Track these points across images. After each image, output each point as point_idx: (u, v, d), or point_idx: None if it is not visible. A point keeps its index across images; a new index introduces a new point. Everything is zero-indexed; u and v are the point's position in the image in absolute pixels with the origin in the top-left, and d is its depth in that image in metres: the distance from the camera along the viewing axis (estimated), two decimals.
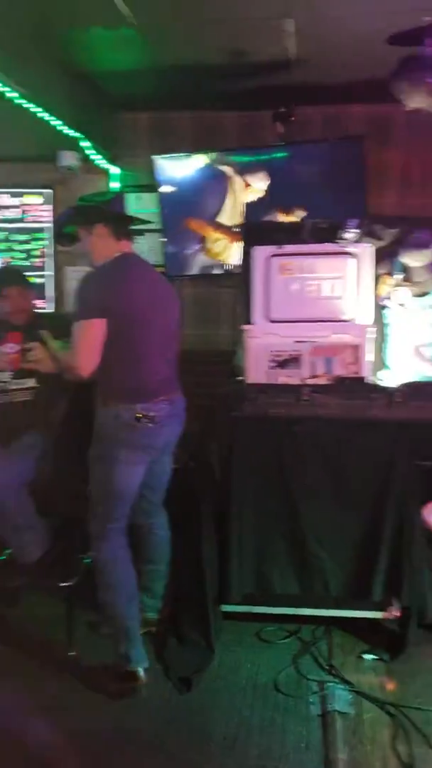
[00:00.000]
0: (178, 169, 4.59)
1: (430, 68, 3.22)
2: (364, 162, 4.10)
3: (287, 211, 4.35)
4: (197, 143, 4.51)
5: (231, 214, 4.65)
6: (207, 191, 4.63)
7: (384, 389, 3.21)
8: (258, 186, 4.58)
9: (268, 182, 4.50)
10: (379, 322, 3.77)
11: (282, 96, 4.11)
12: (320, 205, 4.07)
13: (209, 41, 3.42)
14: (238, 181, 4.56)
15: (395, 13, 3.02)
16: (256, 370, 3.29)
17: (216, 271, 4.75)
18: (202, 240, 4.73)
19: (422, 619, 3.04)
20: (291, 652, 3.05)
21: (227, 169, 4.60)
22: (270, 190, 4.46)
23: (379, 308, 3.77)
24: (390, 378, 3.67)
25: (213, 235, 4.73)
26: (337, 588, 3.07)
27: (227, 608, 3.15)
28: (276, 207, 4.39)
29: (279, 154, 4.45)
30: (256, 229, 3.74)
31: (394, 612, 3.05)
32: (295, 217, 4.33)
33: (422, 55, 3.25)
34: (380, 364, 3.83)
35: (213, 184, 4.60)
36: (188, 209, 4.67)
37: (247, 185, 4.58)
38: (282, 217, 4.38)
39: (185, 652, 3.00)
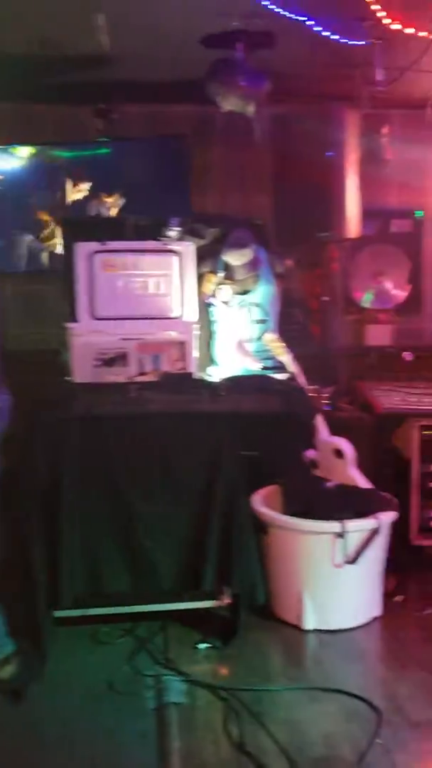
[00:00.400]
0: None
1: (242, 72, 3.34)
2: (186, 161, 4.17)
3: (109, 194, 4.32)
4: (15, 136, 4.36)
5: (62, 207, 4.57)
6: (35, 184, 4.51)
7: (209, 384, 3.30)
8: (84, 186, 4.52)
9: (90, 183, 4.46)
10: (207, 319, 3.88)
11: (102, 92, 4.08)
12: (144, 202, 4.09)
13: (18, 31, 3.32)
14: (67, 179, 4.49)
15: (205, 15, 3.10)
16: (83, 369, 3.25)
17: (44, 260, 4.63)
18: (37, 225, 4.60)
19: (252, 604, 3.16)
20: (127, 650, 3.04)
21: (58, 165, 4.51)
22: (94, 187, 4.42)
23: (206, 306, 3.87)
24: (218, 373, 3.78)
25: (46, 219, 4.61)
26: (169, 581, 3.11)
27: (60, 613, 3.08)
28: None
29: (102, 151, 4.42)
30: (77, 225, 3.70)
31: (226, 600, 3.14)
32: (115, 201, 4.32)
33: (235, 58, 3.36)
34: (208, 359, 3.93)
35: (42, 178, 4.49)
36: (15, 200, 4.53)
37: (75, 184, 4.51)
38: (105, 198, 4.36)
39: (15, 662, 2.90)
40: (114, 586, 3.09)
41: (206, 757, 2.40)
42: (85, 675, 2.87)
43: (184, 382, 3.20)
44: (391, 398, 3.92)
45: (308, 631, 3.18)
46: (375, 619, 3.28)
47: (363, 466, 3.61)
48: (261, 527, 3.23)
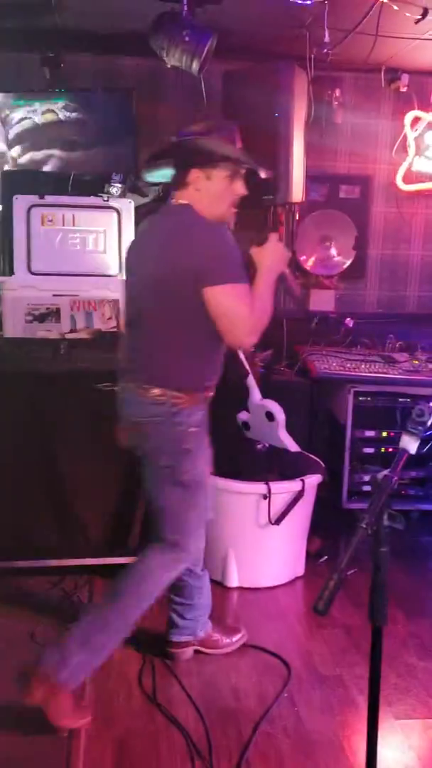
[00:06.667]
0: None
1: (187, 26, 3.27)
2: (132, 116, 4.09)
3: None
4: None
5: None
6: None
7: None
8: None
9: None
10: None
11: (48, 40, 3.96)
12: (88, 156, 3.99)
13: None
14: None
15: None
16: (14, 324, 3.21)
17: None
18: None
19: None
20: (52, 603, 3.09)
21: None
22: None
23: None
24: None
25: None
26: (96, 537, 3.15)
27: None
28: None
29: (56, 100, 4.29)
30: (17, 177, 3.62)
31: None
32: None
33: (180, 12, 3.28)
34: None
35: None
36: None
37: None
38: None
39: None
40: (42, 541, 3.14)
41: (117, 707, 2.47)
42: (8, 624, 2.92)
43: (115, 341, 3.18)
44: (329, 363, 3.97)
45: (232, 589, 3.27)
46: (297, 578, 3.37)
47: (298, 429, 3.66)
48: None
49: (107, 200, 3.51)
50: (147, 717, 2.42)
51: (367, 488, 3.93)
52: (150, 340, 2.35)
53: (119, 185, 3.55)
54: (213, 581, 3.24)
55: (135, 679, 2.62)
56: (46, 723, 2.24)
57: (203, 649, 2.77)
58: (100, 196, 3.52)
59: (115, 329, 3.28)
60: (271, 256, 2.38)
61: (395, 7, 3.22)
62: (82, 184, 3.62)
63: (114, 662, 2.69)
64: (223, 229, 2.30)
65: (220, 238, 2.25)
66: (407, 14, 3.30)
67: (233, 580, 3.26)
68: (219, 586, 3.25)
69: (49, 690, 2.23)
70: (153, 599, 2.43)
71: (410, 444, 1.69)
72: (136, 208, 3.54)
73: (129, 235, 3.46)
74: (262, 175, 2.51)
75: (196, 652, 2.77)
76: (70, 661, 2.27)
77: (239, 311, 2.21)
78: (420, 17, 3.32)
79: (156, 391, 2.31)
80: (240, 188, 2.37)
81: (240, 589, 3.27)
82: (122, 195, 3.57)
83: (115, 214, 3.48)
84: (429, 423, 1.70)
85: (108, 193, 3.54)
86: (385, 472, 1.64)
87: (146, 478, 2.50)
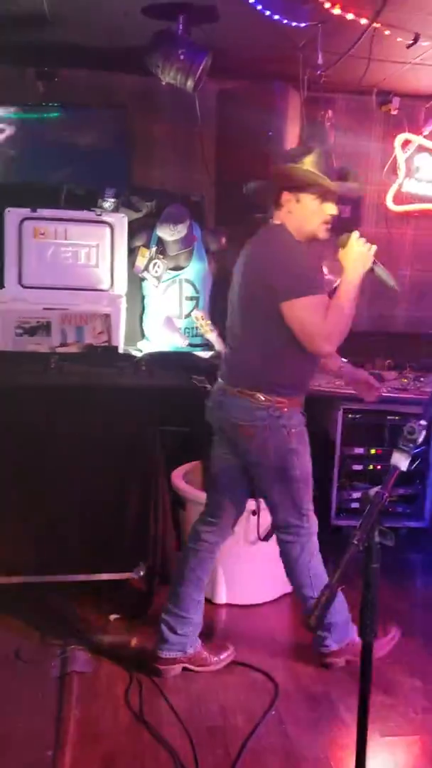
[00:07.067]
0: None
1: (182, 45, 3.30)
2: (126, 131, 4.11)
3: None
4: None
5: None
6: None
7: (131, 358, 3.29)
8: None
9: None
10: (139, 293, 3.86)
11: (43, 54, 3.98)
12: (83, 171, 4.01)
13: None
14: None
15: None
16: (4, 338, 3.21)
17: None
18: None
19: (166, 578, 3.20)
20: (38, 619, 3.05)
21: None
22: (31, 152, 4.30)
23: (139, 280, 3.86)
24: (147, 347, 3.78)
25: None
26: (84, 553, 3.13)
27: None
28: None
29: (51, 115, 4.31)
30: (9, 190, 3.62)
31: (140, 572, 3.18)
32: None
33: (176, 31, 3.32)
34: (139, 333, 3.93)
35: None
36: None
37: None
38: None
39: None
40: (29, 555, 3.10)
41: (103, 726, 2.44)
42: None
43: (107, 356, 3.19)
44: (318, 381, 3.97)
45: (220, 605, 3.25)
46: (286, 595, 3.35)
47: None
48: (180, 502, 3.26)
49: (100, 215, 3.52)
50: (134, 735, 2.39)
51: (355, 505, 3.93)
52: (250, 349, 2.51)
53: (112, 200, 3.56)
54: None
55: (122, 696, 2.59)
56: (33, 742, 2.21)
57: (191, 667, 2.75)
58: (93, 211, 3.53)
59: (106, 344, 3.28)
60: (352, 256, 2.45)
61: (387, 32, 3.27)
62: (75, 198, 3.64)
63: (101, 679, 2.68)
64: (297, 246, 2.44)
65: (293, 255, 2.40)
66: (399, 39, 3.36)
67: (222, 597, 3.24)
68: (207, 602, 3.19)
69: (337, 655, 2.74)
70: (320, 561, 2.77)
71: (401, 461, 1.70)
72: (129, 223, 3.56)
73: (121, 249, 3.48)
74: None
75: (184, 669, 2.74)
76: (325, 637, 2.73)
77: (313, 321, 2.35)
78: (412, 42, 3.37)
79: (261, 396, 2.47)
80: (330, 209, 2.48)
81: (228, 605, 3.25)
82: (115, 210, 3.58)
83: (107, 229, 3.49)
84: (420, 440, 1.71)
85: (101, 207, 3.56)
86: (377, 488, 1.65)
87: (253, 476, 2.66)
